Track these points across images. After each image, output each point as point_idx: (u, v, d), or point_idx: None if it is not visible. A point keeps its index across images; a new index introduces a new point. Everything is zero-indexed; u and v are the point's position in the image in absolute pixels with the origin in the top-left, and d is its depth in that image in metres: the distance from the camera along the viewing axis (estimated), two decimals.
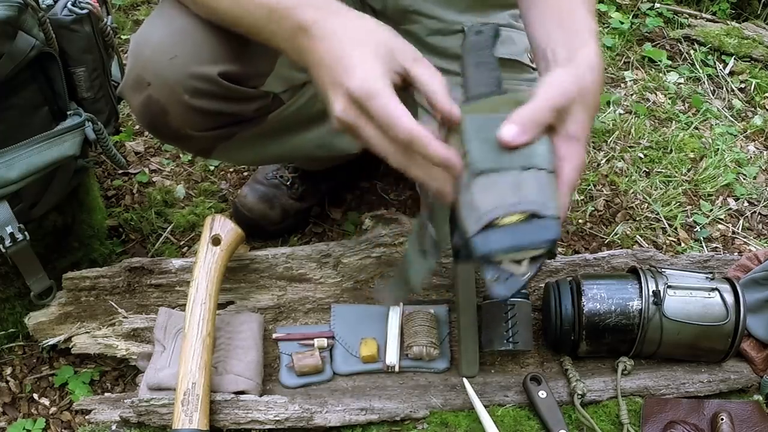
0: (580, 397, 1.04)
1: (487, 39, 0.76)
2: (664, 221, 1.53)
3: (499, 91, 0.72)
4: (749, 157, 1.72)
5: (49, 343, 1.11)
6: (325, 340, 1.09)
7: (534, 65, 1.23)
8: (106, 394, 1.09)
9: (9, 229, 0.99)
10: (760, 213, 1.59)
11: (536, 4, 0.87)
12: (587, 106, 0.71)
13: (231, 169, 1.56)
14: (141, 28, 0.96)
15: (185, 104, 0.94)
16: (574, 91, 0.70)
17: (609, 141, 1.71)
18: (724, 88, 1.93)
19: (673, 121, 1.80)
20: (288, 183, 1.39)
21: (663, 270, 1.10)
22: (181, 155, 1.57)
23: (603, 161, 1.65)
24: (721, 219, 1.56)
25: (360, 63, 0.68)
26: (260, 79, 1.00)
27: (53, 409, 1.13)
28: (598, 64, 0.75)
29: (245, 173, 1.55)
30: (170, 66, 0.92)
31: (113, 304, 1.12)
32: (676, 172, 1.65)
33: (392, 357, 1.08)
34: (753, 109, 1.88)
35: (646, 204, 1.57)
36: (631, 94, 1.88)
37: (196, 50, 0.92)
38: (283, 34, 0.76)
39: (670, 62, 1.99)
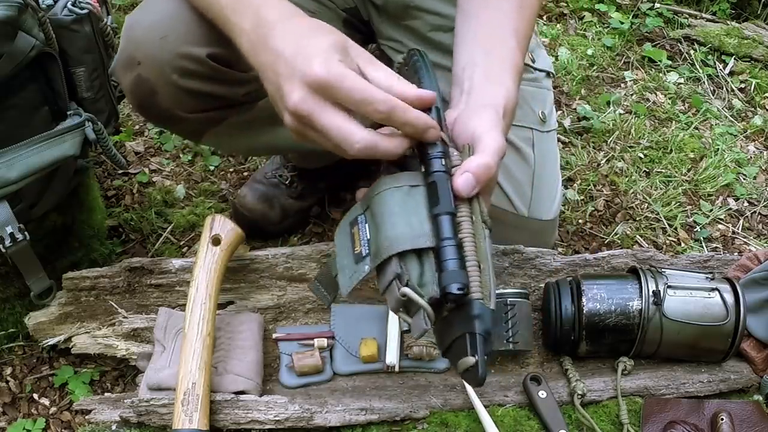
0: (580, 397, 1.04)
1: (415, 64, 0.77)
2: (664, 221, 1.53)
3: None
4: (749, 157, 1.72)
5: (49, 343, 1.11)
6: (325, 340, 1.09)
7: (534, 65, 1.23)
8: (106, 394, 1.09)
9: (9, 229, 0.99)
10: (760, 213, 1.59)
11: (470, 23, 0.89)
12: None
13: (231, 169, 1.56)
14: (135, 11, 0.99)
15: (174, 84, 0.95)
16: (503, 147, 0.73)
17: (609, 141, 1.71)
18: (724, 88, 1.93)
19: (673, 121, 1.80)
20: (287, 182, 1.39)
21: (663, 270, 1.10)
22: (181, 155, 1.57)
23: (603, 161, 1.65)
24: (721, 219, 1.56)
25: (321, 52, 0.68)
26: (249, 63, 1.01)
27: (53, 409, 1.13)
28: (511, 109, 0.79)
29: (245, 173, 1.55)
30: (160, 45, 0.93)
31: (113, 304, 1.12)
32: (676, 172, 1.65)
33: (392, 357, 1.08)
34: (753, 109, 1.88)
35: (646, 204, 1.57)
36: (631, 94, 1.88)
37: (187, 31, 0.93)
38: (245, 27, 0.77)
39: (670, 62, 1.99)
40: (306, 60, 0.68)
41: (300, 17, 0.76)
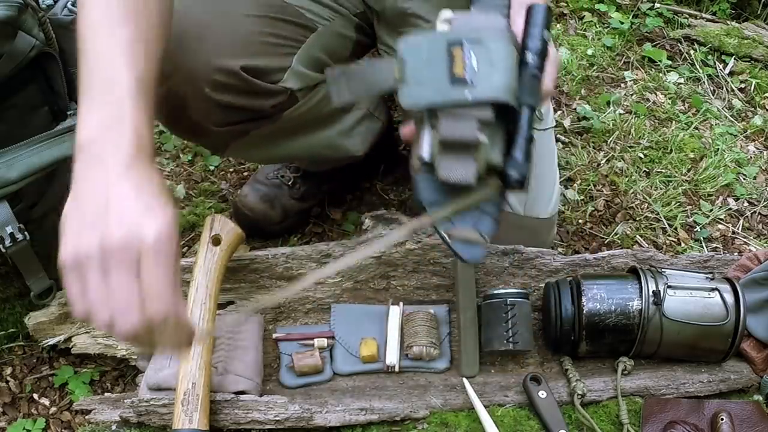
0: (580, 397, 1.04)
1: None
2: (664, 221, 1.53)
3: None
4: (749, 157, 1.72)
5: (49, 343, 1.11)
6: (325, 340, 1.09)
7: None
8: (106, 394, 1.09)
9: (9, 229, 0.99)
10: (760, 213, 1.59)
11: None
12: None
13: (231, 169, 1.56)
14: None
15: (206, 97, 0.95)
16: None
17: (609, 141, 1.71)
18: (724, 88, 1.93)
19: (673, 121, 1.80)
20: (290, 183, 1.39)
21: (663, 270, 1.10)
22: (181, 155, 1.57)
23: (603, 161, 1.65)
24: (721, 219, 1.56)
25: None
26: (279, 74, 1.00)
27: (53, 409, 1.13)
28: None
29: (245, 173, 1.55)
30: (193, 58, 0.92)
31: None
32: (676, 172, 1.65)
33: (392, 357, 1.08)
34: (753, 109, 1.88)
35: (646, 204, 1.57)
36: (631, 94, 1.88)
37: (219, 43, 0.93)
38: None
39: (670, 62, 1.99)
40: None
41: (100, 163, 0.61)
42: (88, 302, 0.59)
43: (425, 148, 0.66)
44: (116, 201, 0.59)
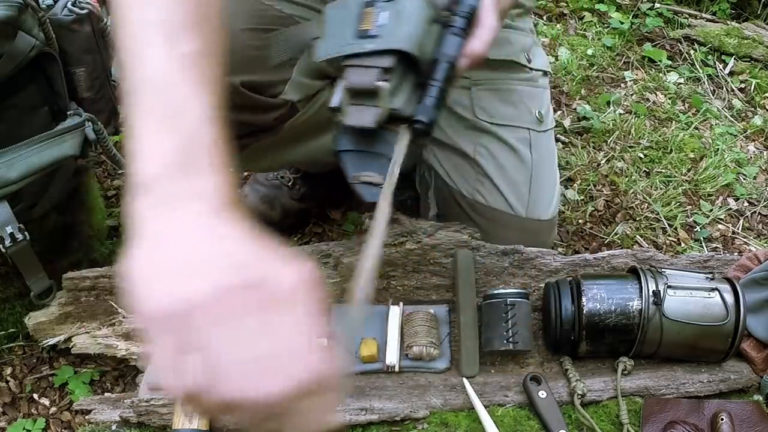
0: (580, 397, 1.04)
1: None
2: (664, 221, 1.53)
3: None
4: (749, 157, 1.72)
5: (49, 343, 1.11)
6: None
7: (531, 64, 1.24)
8: (106, 394, 1.09)
9: (9, 229, 0.99)
10: (760, 213, 1.59)
11: None
12: None
13: (231, 169, 1.55)
14: None
15: None
16: None
17: (609, 141, 1.71)
18: (724, 88, 1.93)
19: (673, 121, 1.80)
20: (289, 183, 1.39)
21: (663, 270, 1.10)
22: None
23: (603, 161, 1.65)
24: (721, 219, 1.56)
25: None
26: (279, 87, 1.00)
27: (53, 409, 1.13)
28: None
29: (245, 173, 1.55)
30: None
31: (113, 304, 1.11)
32: (676, 172, 1.65)
33: (392, 357, 1.08)
34: (753, 109, 1.88)
35: (646, 204, 1.57)
36: (631, 94, 1.88)
37: None
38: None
39: (670, 62, 1.99)
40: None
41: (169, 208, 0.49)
42: (198, 368, 0.43)
43: (335, 97, 0.72)
44: (229, 243, 0.46)
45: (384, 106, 0.68)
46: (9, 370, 1.16)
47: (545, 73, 1.28)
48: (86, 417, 1.04)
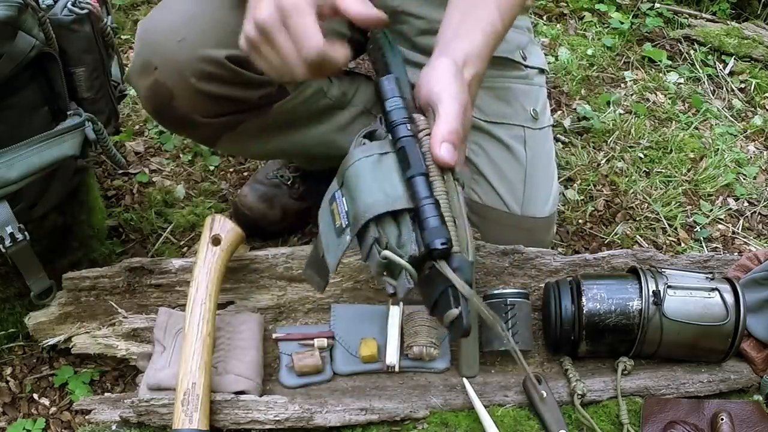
0: (580, 397, 1.04)
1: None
2: (664, 221, 1.53)
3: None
4: (749, 157, 1.72)
5: (49, 343, 1.11)
6: (325, 340, 1.09)
7: (526, 62, 1.24)
8: (106, 394, 1.09)
9: (9, 229, 0.99)
10: (760, 213, 1.59)
11: None
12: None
13: (231, 169, 1.56)
14: (149, 15, 0.98)
15: (192, 88, 0.95)
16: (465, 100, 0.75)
17: (609, 141, 1.71)
18: (724, 88, 1.93)
19: (673, 121, 1.80)
20: (289, 182, 1.39)
21: (663, 270, 1.10)
22: (181, 155, 1.57)
23: (603, 161, 1.66)
24: (721, 219, 1.56)
25: None
26: None
27: (53, 409, 1.13)
28: (474, 57, 0.81)
29: (245, 173, 1.55)
30: (178, 49, 0.93)
31: (113, 304, 1.12)
32: (676, 172, 1.65)
33: (392, 357, 1.08)
34: (753, 109, 1.88)
35: (646, 204, 1.57)
36: (631, 94, 1.88)
37: (204, 33, 0.93)
38: None
39: (670, 62, 1.99)
40: None
41: None
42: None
43: (388, 287, 0.72)
44: None
45: (404, 266, 0.68)
46: (9, 370, 1.16)
47: (542, 70, 1.28)
48: (86, 417, 1.04)
